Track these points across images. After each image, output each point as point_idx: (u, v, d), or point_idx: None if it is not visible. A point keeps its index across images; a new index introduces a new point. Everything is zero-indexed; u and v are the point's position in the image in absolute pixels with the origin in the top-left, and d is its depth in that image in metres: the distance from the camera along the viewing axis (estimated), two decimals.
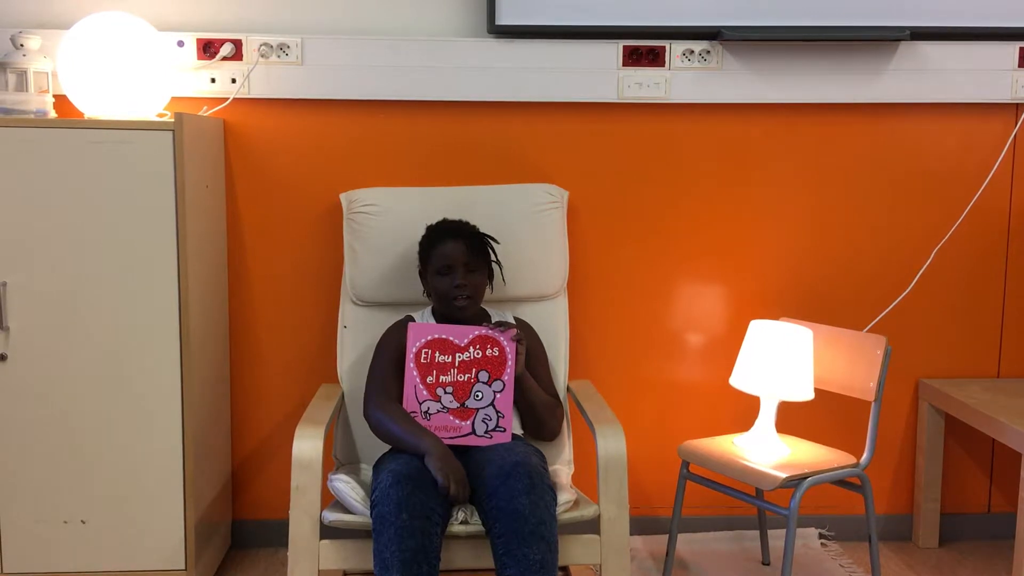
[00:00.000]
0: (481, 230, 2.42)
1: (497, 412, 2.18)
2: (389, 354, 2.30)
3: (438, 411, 2.17)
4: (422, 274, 2.39)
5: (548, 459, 2.37)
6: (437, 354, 2.18)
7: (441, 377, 2.18)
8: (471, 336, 2.19)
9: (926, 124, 2.80)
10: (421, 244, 2.38)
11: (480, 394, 2.19)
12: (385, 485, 1.97)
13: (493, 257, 2.42)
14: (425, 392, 2.17)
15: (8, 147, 2.26)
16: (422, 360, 2.18)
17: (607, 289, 2.82)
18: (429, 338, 2.18)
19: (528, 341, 2.41)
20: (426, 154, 2.74)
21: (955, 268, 2.86)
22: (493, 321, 2.41)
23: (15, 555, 2.37)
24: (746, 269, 2.83)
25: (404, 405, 2.18)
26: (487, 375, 2.19)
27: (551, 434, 2.39)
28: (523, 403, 2.29)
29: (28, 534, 2.36)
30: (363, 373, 2.40)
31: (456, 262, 2.29)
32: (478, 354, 2.19)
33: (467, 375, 2.19)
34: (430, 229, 2.38)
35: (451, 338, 2.19)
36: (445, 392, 2.18)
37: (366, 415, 2.28)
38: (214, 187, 2.59)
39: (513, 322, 2.40)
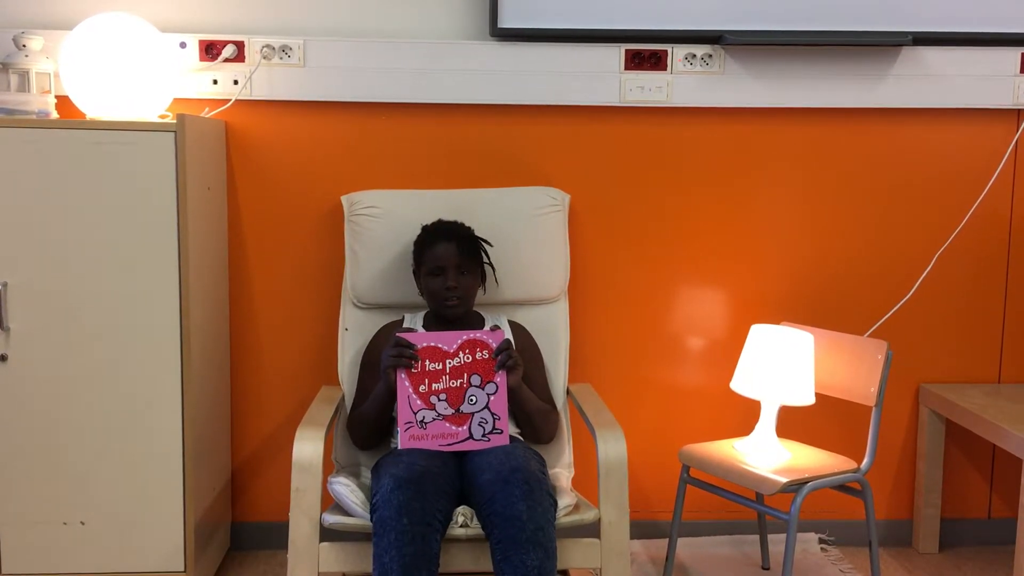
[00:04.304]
0: (478, 232, 2.43)
1: (493, 415, 2.18)
2: (373, 372, 2.33)
3: (433, 419, 2.17)
4: (416, 274, 2.40)
5: (548, 463, 2.37)
6: (427, 362, 2.18)
7: (433, 385, 2.18)
8: (459, 341, 2.19)
9: (928, 129, 2.80)
10: (415, 244, 2.40)
11: (474, 398, 2.18)
12: (386, 489, 1.97)
13: (486, 259, 2.43)
14: (419, 402, 2.17)
15: (10, 148, 2.26)
16: (412, 370, 2.17)
17: (608, 292, 2.82)
18: (418, 347, 2.18)
19: (523, 344, 2.42)
20: (428, 157, 2.74)
21: (956, 273, 2.86)
22: (488, 325, 2.42)
23: (14, 556, 2.36)
24: (747, 273, 2.83)
25: (399, 416, 2.18)
26: (479, 378, 2.19)
27: (547, 439, 2.40)
28: (519, 412, 2.30)
29: (27, 535, 2.36)
30: None
31: (448, 263, 2.31)
32: (468, 358, 2.19)
33: (459, 380, 2.18)
34: (424, 230, 2.41)
35: (440, 345, 2.18)
36: (439, 400, 2.17)
37: (347, 430, 2.40)
38: (216, 189, 2.59)
39: (503, 327, 2.40)
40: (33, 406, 2.33)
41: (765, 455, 2.45)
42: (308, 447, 2.09)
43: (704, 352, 2.85)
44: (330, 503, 2.19)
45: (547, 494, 2.02)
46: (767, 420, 2.49)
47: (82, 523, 2.37)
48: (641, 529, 2.89)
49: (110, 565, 2.38)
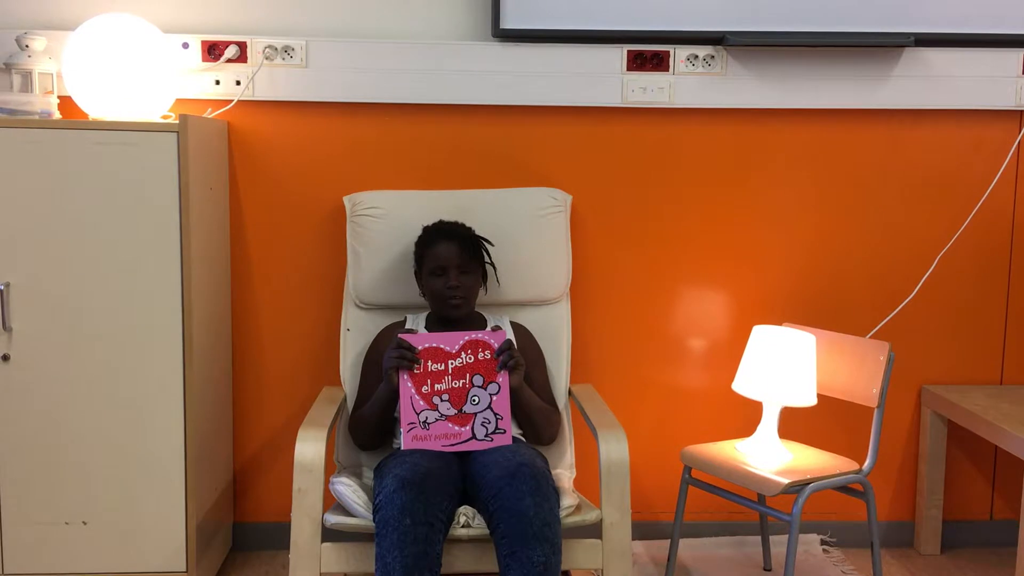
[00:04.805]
0: (480, 233, 2.43)
1: (495, 415, 2.18)
2: (376, 372, 2.33)
3: (436, 419, 2.17)
4: (417, 275, 2.41)
5: (550, 463, 2.37)
6: (430, 363, 2.18)
7: (436, 385, 2.18)
8: (462, 342, 2.19)
9: (930, 130, 2.80)
10: (417, 245, 2.40)
11: (477, 398, 2.18)
12: (389, 490, 1.97)
13: (487, 259, 2.43)
14: (421, 402, 2.17)
15: (13, 148, 2.27)
16: (415, 370, 2.18)
17: (610, 293, 2.82)
18: (420, 348, 2.18)
19: (525, 345, 2.42)
20: (430, 157, 2.74)
21: (958, 274, 2.85)
22: (489, 326, 2.42)
23: (16, 556, 2.37)
24: (749, 274, 2.83)
25: (401, 417, 2.18)
26: (481, 379, 2.19)
27: (548, 440, 2.40)
28: (520, 413, 2.30)
29: (29, 535, 2.36)
30: None
31: (449, 263, 2.31)
32: (470, 359, 2.19)
33: (462, 381, 2.19)
34: (425, 230, 2.41)
35: (442, 346, 2.19)
36: (441, 400, 2.18)
37: (349, 431, 2.40)
38: (218, 189, 2.59)
39: (505, 328, 2.40)
40: (35, 406, 2.33)
41: (767, 456, 2.45)
42: (310, 448, 2.09)
43: (706, 353, 2.85)
44: (332, 504, 2.19)
45: (553, 490, 2.02)
46: (769, 421, 2.49)
47: (84, 523, 2.37)
48: (643, 530, 2.89)
49: (112, 565, 2.38)
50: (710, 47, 2.71)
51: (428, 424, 2.17)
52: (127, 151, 2.28)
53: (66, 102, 2.55)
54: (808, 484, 2.32)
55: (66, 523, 2.37)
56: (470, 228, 2.42)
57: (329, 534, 2.08)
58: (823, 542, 2.90)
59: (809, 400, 2.44)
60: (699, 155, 2.78)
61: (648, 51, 2.70)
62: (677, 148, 2.78)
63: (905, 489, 2.92)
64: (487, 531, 2.02)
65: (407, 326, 2.42)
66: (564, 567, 2.06)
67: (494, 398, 2.19)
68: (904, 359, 2.86)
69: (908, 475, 2.92)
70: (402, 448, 2.17)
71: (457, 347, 2.19)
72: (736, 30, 2.68)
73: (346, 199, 2.60)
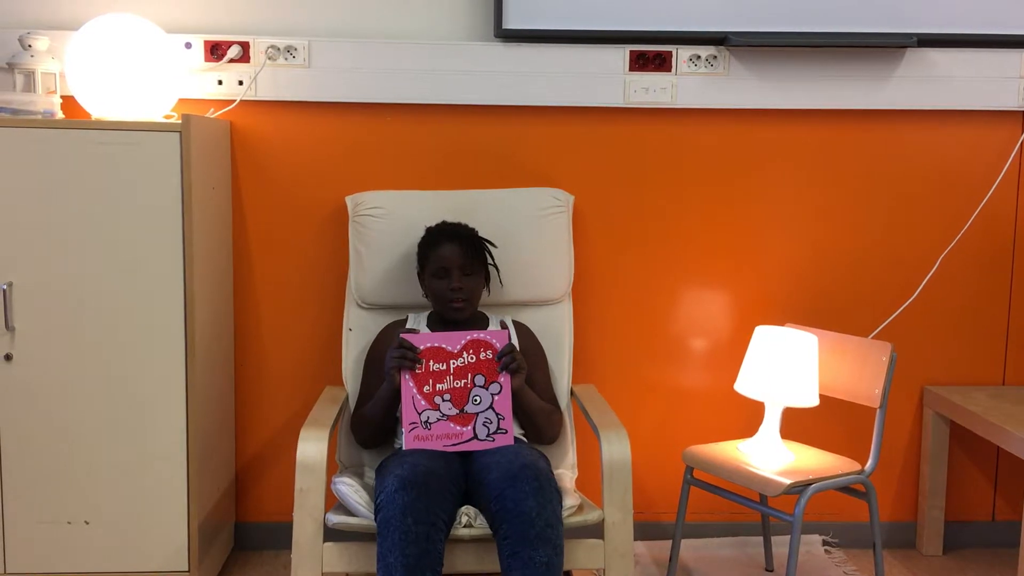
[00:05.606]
0: (482, 233, 2.42)
1: (497, 415, 2.18)
2: (377, 371, 2.33)
3: (438, 419, 2.17)
4: (420, 276, 2.40)
5: (552, 463, 2.37)
6: (432, 363, 2.18)
7: (438, 385, 2.18)
8: (463, 341, 2.19)
9: (932, 131, 2.80)
10: (420, 246, 2.40)
11: (478, 398, 2.18)
12: (390, 490, 1.97)
13: (490, 260, 2.43)
14: (423, 402, 2.17)
15: (15, 147, 2.27)
16: (417, 370, 2.18)
17: (612, 293, 2.82)
18: (422, 348, 2.18)
19: (527, 345, 2.42)
20: (432, 157, 2.74)
21: (961, 275, 2.85)
22: (492, 326, 2.42)
23: (18, 555, 2.37)
24: (752, 275, 2.83)
25: (403, 417, 2.18)
26: (483, 379, 2.19)
27: (550, 440, 2.40)
28: (521, 415, 2.30)
29: (31, 534, 2.37)
30: None
31: (452, 264, 2.31)
32: (472, 359, 2.19)
33: (463, 380, 2.19)
34: (428, 231, 2.41)
35: (444, 345, 2.19)
36: (443, 400, 2.18)
37: (351, 430, 2.41)
38: (220, 189, 2.59)
39: (508, 329, 2.40)
40: (38, 405, 2.34)
41: (769, 457, 2.45)
42: (312, 447, 2.10)
43: (708, 353, 2.85)
44: (334, 503, 2.19)
45: (555, 491, 2.02)
46: (771, 421, 2.49)
47: (86, 522, 2.38)
48: (645, 530, 2.89)
49: (114, 565, 2.39)
50: (713, 47, 2.70)
51: (430, 424, 2.17)
52: (130, 151, 2.29)
53: (69, 102, 2.56)
54: (810, 485, 2.31)
55: (68, 522, 2.37)
56: (473, 229, 2.41)
57: (331, 534, 2.08)
58: (825, 543, 2.90)
59: (811, 401, 2.44)
60: (701, 155, 2.78)
61: (650, 51, 2.70)
62: (679, 148, 2.78)
63: (907, 490, 2.92)
64: (489, 531, 2.02)
65: (408, 325, 2.42)
66: (566, 567, 2.06)
67: (496, 398, 2.19)
68: (906, 360, 2.86)
69: (910, 476, 2.92)
70: (403, 448, 2.17)
71: (459, 347, 2.19)
72: (739, 30, 2.68)
73: (348, 199, 2.61)
